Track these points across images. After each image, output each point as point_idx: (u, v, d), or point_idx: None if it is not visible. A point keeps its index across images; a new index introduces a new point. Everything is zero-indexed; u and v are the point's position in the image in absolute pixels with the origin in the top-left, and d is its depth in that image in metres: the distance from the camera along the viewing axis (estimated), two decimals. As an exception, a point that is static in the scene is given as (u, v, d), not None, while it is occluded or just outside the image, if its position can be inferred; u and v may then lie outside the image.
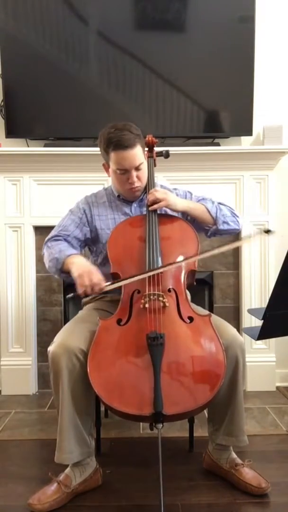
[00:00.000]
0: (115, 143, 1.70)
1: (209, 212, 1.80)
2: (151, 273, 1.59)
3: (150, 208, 1.74)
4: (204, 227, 1.84)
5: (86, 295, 1.62)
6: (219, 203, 1.85)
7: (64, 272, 1.71)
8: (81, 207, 1.89)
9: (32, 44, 2.56)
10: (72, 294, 1.61)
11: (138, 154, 1.73)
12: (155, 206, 1.74)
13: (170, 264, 1.63)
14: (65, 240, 1.82)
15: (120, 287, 1.67)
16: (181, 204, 1.78)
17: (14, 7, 2.53)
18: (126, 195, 1.85)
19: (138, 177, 1.77)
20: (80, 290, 1.57)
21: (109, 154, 1.74)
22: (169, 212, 1.83)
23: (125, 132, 1.70)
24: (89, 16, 2.56)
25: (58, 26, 2.55)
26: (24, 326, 2.67)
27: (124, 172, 1.76)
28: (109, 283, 1.61)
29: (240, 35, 2.57)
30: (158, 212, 1.78)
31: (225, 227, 1.82)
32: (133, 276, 1.58)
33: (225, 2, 2.56)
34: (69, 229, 1.84)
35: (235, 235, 1.96)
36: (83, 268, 1.62)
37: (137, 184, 1.78)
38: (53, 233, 1.85)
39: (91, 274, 1.58)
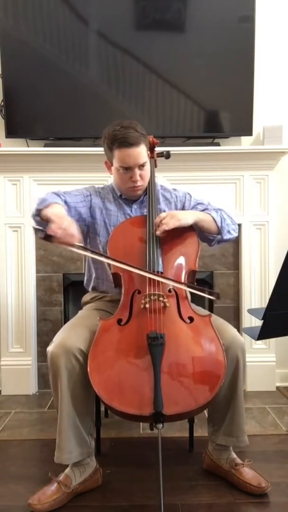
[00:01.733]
0: (120, 141, 1.70)
1: (215, 221, 1.78)
2: (145, 274, 1.59)
3: (160, 234, 1.67)
4: (208, 237, 1.82)
5: (49, 239, 1.47)
6: (220, 210, 1.84)
7: (41, 217, 1.59)
8: (89, 191, 1.87)
9: (32, 44, 2.56)
10: (41, 228, 1.52)
11: (142, 152, 1.74)
12: (167, 228, 1.66)
13: (169, 279, 1.63)
14: (65, 203, 1.74)
15: (120, 287, 1.67)
16: (191, 217, 1.74)
17: (14, 7, 2.53)
18: (127, 193, 1.85)
19: (141, 175, 1.77)
20: (52, 228, 1.46)
21: (113, 151, 1.74)
22: (167, 204, 1.86)
23: (130, 130, 1.70)
24: (89, 16, 2.56)
25: (58, 26, 2.55)
26: (24, 326, 2.67)
27: (127, 170, 1.75)
28: (82, 244, 1.54)
29: (240, 35, 2.57)
30: (159, 213, 1.78)
31: (228, 236, 1.82)
32: (125, 264, 1.57)
33: (225, 2, 2.56)
34: (73, 200, 1.78)
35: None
36: (64, 215, 1.55)
37: (139, 183, 1.77)
38: (55, 190, 1.78)
39: (71, 224, 1.50)
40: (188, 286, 1.66)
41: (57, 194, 1.75)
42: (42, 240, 1.53)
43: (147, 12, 2.55)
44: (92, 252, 1.62)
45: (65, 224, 1.48)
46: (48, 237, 1.47)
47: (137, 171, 1.75)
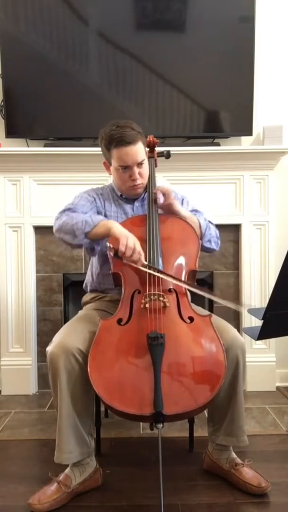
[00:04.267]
0: (117, 140, 1.71)
1: (200, 227, 1.82)
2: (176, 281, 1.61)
3: (156, 201, 1.75)
4: None
5: (118, 256, 1.55)
6: (209, 222, 1.89)
7: (90, 237, 1.67)
8: (91, 195, 1.88)
9: (32, 44, 2.56)
10: (112, 247, 1.56)
11: (140, 150, 1.74)
12: (160, 202, 1.74)
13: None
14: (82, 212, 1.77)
15: (120, 287, 1.67)
16: (183, 212, 1.80)
17: (14, 7, 2.53)
18: (127, 192, 1.85)
19: (140, 173, 1.77)
20: (121, 248, 1.54)
21: (111, 151, 1.75)
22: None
23: (127, 129, 1.72)
24: (89, 16, 2.56)
25: (58, 26, 2.55)
26: (24, 326, 2.67)
27: (126, 169, 1.76)
28: (146, 262, 1.59)
29: (240, 35, 2.57)
30: (160, 213, 1.79)
31: (207, 245, 1.86)
32: (170, 276, 1.61)
33: (225, 2, 2.56)
34: (85, 209, 1.79)
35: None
36: (129, 233, 1.60)
37: (139, 181, 1.78)
38: (68, 206, 1.79)
39: (137, 241, 1.58)
40: (203, 291, 1.66)
41: (74, 210, 1.75)
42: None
43: (147, 12, 2.55)
44: (158, 271, 1.61)
45: (131, 243, 1.56)
46: (118, 256, 1.56)
47: (136, 170, 1.76)
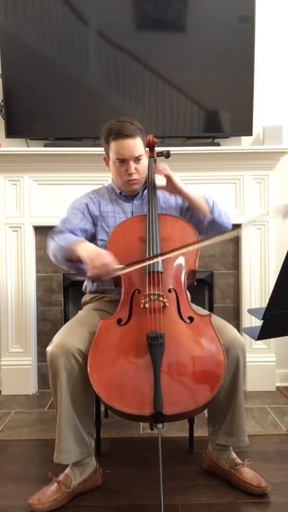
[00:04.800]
0: (115, 132, 1.74)
1: (207, 201, 1.80)
2: (158, 259, 1.59)
3: (155, 171, 1.77)
4: (200, 217, 1.82)
5: (98, 279, 1.59)
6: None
7: (72, 260, 1.69)
8: (83, 202, 1.89)
9: (32, 44, 2.56)
10: (82, 276, 1.60)
11: (138, 145, 1.75)
12: (159, 171, 1.75)
13: (166, 252, 1.61)
14: (70, 232, 1.80)
15: (120, 287, 1.67)
16: (186, 188, 1.77)
17: (14, 7, 2.53)
18: (124, 188, 1.86)
19: (136, 169, 1.78)
20: (92, 272, 1.57)
21: (110, 144, 1.77)
22: (167, 196, 1.87)
23: (126, 124, 1.74)
24: (89, 16, 2.56)
25: (58, 26, 2.55)
26: (24, 326, 2.67)
27: (123, 163, 1.77)
28: (121, 266, 1.58)
29: (240, 35, 2.57)
30: (159, 212, 1.79)
31: (220, 220, 1.82)
32: (140, 261, 1.58)
33: (225, 2, 2.56)
34: (73, 222, 1.83)
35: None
36: (93, 251, 1.62)
37: (135, 176, 1.79)
38: (57, 226, 1.83)
39: (101, 256, 1.58)
40: (194, 243, 1.63)
41: (61, 231, 1.78)
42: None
43: (147, 12, 2.55)
44: (133, 264, 1.60)
45: (97, 263, 1.56)
46: (91, 277, 1.59)
47: (133, 164, 1.77)
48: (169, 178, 1.75)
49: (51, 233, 1.80)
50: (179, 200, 1.91)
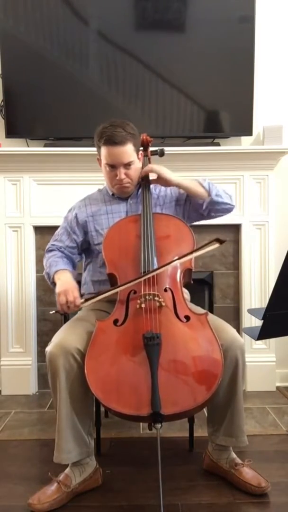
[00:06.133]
0: (105, 138, 1.73)
1: (201, 185, 1.80)
2: (146, 277, 1.60)
3: (142, 174, 1.82)
4: (198, 201, 1.82)
5: (66, 312, 1.69)
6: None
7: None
8: (73, 214, 1.92)
9: (32, 44, 2.56)
10: (54, 311, 1.70)
11: (128, 151, 1.75)
12: (148, 172, 1.80)
13: (164, 265, 1.62)
14: (59, 250, 1.88)
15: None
16: (175, 178, 1.79)
17: (14, 7, 2.53)
18: (115, 191, 1.87)
19: (126, 174, 1.78)
20: (58, 307, 1.64)
21: (100, 148, 1.78)
22: (162, 189, 1.88)
23: (118, 129, 1.72)
24: (89, 16, 2.56)
25: (58, 26, 2.55)
26: (24, 326, 2.67)
27: (113, 168, 1.77)
28: (83, 300, 1.66)
29: (240, 35, 2.57)
30: (154, 210, 1.79)
31: (219, 199, 1.79)
32: (117, 287, 1.63)
33: (225, 2, 2.56)
34: (62, 239, 1.90)
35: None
36: (63, 286, 1.67)
37: (125, 181, 1.79)
38: (50, 243, 1.93)
39: (67, 293, 1.63)
40: (186, 255, 1.62)
41: (51, 250, 1.89)
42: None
43: (147, 12, 2.55)
44: (101, 294, 1.65)
45: (62, 300, 1.62)
46: (59, 312, 1.70)
47: (122, 170, 1.77)
48: (160, 177, 1.79)
49: (46, 250, 1.92)
50: (174, 193, 1.92)
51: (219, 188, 1.82)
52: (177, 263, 1.65)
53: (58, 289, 1.67)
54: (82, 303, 1.65)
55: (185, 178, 1.83)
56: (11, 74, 2.59)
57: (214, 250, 2.64)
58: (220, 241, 1.50)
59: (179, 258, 1.61)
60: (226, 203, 1.82)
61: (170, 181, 1.79)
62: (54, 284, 1.77)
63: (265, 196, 2.65)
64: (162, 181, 1.80)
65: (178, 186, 1.82)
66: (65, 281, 1.71)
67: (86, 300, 1.65)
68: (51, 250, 1.89)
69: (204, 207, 1.82)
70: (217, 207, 1.81)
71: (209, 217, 1.86)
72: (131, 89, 2.60)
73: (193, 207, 1.85)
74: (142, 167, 1.86)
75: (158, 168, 1.79)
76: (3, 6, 2.53)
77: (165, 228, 1.75)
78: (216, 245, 1.51)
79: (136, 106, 2.60)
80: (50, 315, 2.68)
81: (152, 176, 1.83)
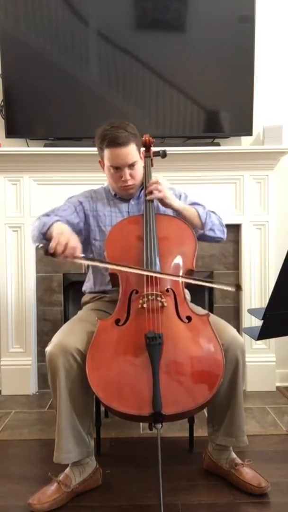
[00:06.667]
0: (109, 140, 1.72)
1: (199, 217, 1.81)
2: (144, 272, 1.58)
3: (148, 197, 1.76)
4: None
5: (54, 255, 1.55)
6: (210, 211, 1.87)
7: (47, 239, 1.66)
8: (78, 199, 1.90)
9: (32, 44, 2.56)
10: (42, 245, 1.59)
11: (131, 152, 1.75)
12: (153, 196, 1.74)
13: (167, 274, 1.62)
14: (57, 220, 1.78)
15: (118, 287, 1.67)
16: (177, 203, 1.79)
17: (14, 7, 2.53)
18: (119, 192, 1.86)
19: (131, 175, 1.78)
20: (52, 244, 1.53)
21: (103, 150, 1.77)
22: (161, 208, 1.85)
23: (120, 130, 1.72)
24: (89, 16, 2.56)
25: (58, 26, 2.55)
26: (24, 326, 2.67)
27: (117, 170, 1.77)
28: (83, 255, 1.59)
29: (240, 35, 2.57)
30: (156, 211, 1.79)
31: (211, 234, 1.83)
32: (124, 266, 1.58)
33: (225, 2, 2.56)
34: (62, 213, 1.81)
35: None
36: (65, 230, 1.61)
37: (130, 182, 1.79)
38: (46, 211, 1.83)
39: (71, 237, 1.57)
40: (195, 280, 1.62)
41: (48, 215, 1.78)
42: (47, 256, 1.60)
43: (147, 12, 2.55)
44: (96, 260, 1.62)
45: (63, 239, 1.54)
46: (50, 254, 1.54)
47: (127, 171, 1.77)
48: (162, 200, 1.76)
49: (42, 215, 1.79)
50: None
51: (215, 220, 1.84)
52: (180, 261, 1.68)
53: (59, 230, 1.59)
54: (82, 257, 1.58)
55: (185, 207, 1.81)
56: (11, 74, 2.59)
57: (214, 250, 2.66)
58: (239, 288, 1.54)
59: (191, 279, 1.60)
60: (217, 238, 1.86)
61: (173, 207, 1.78)
62: (44, 236, 1.66)
63: (265, 196, 2.65)
64: (163, 202, 1.78)
65: (179, 212, 1.80)
66: (66, 228, 1.63)
67: (86, 259, 1.59)
68: (48, 215, 1.77)
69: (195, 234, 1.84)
70: (206, 239, 1.85)
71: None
72: (131, 89, 2.60)
73: None
74: (144, 168, 1.86)
75: (164, 192, 1.75)
76: (3, 6, 2.53)
77: (167, 229, 1.76)
78: (232, 289, 1.54)
79: (136, 106, 2.60)
80: (50, 315, 2.70)
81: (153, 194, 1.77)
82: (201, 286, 1.64)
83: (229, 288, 1.55)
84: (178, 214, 1.82)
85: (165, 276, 1.62)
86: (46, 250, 1.54)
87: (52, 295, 2.71)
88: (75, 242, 1.56)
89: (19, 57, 2.57)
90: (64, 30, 2.56)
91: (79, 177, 2.57)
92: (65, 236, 1.55)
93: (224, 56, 2.58)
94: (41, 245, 1.60)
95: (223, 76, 2.60)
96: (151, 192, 1.75)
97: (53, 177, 2.62)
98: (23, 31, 2.55)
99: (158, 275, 1.60)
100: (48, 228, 1.66)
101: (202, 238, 1.84)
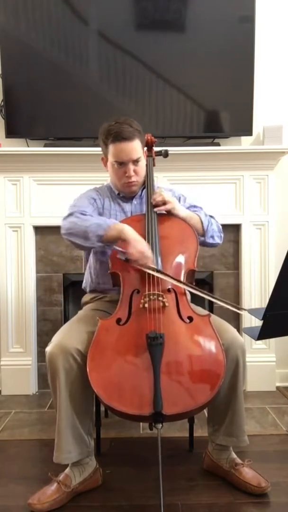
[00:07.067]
0: (114, 135, 1.73)
1: (202, 223, 1.82)
2: (184, 286, 1.60)
3: (155, 209, 1.75)
4: None
5: (128, 261, 1.59)
6: (210, 216, 1.88)
7: (103, 241, 1.65)
8: (91, 195, 1.88)
9: (32, 44, 2.56)
10: (124, 255, 1.60)
11: (136, 147, 1.75)
12: (161, 208, 1.74)
13: (173, 278, 1.62)
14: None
15: (119, 287, 1.67)
16: (183, 212, 1.80)
17: (14, 7, 2.53)
18: (122, 189, 1.86)
19: (135, 171, 1.78)
20: (132, 251, 1.57)
21: (108, 146, 1.76)
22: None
23: (125, 126, 1.73)
24: (89, 16, 2.56)
25: (58, 26, 2.55)
26: (24, 326, 2.67)
27: (121, 165, 1.77)
28: (154, 267, 1.60)
29: (240, 35, 2.57)
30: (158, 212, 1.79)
31: (211, 241, 1.86)
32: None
33: (225, 2, 2.56)
34: (88, 211, 1.77)
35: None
36: (141, 238, 1.62)
37: (134, 178, 1.79)
38: (72, 210, 1.76)
39: (146, 246, 1.60)
40: (209, 296, 1.65)
41: (84, 213, 1.73)
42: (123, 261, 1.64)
43: (147, 12, 2.55)
44: (166, 275, 1.60)
45: (141, 248, 1.59)
46: (127, 260, 1.60)
47: (131, 166, 1.77)
48: (170, 211, 1.76)
49: (69, 215, 1.73)
50: None
51: (215, 227, 1.86)
52: (182, 260, 1.70)
53: (135, 236, 1.61)
54: (153, 269, 1.59)
55: (189, 215, 1.81)
56: (11, 74, 2.59)
57: (214, 250, 2.66)
58: (241, 309, 1.58)
59: (193, 288, 1.60)
60: (215, 244, 1.89)
61: (177, 214, 1.78)
62: (101, 238, 1.63)
63: (265, 196, 2.65)
64: (170, 213, 1.78)
65: (184, 220, 1.80)
66: (135, 234, 1.62)
67: (156, 271, 1.59)
68: (82, 213, 1.72)
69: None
70: (205, 244, 1.87)
71: None
72: (131, 89, 2.60)
73: None
74: (146, 167, 1.86)
75: (171, 199, 1.77)
76: (3, 6, 2.53)
77: (169, 229, 1.76)
78: (235, 309, 1.59)
79: (136, 106, 2.60)
80: (50, 315, 2.70)
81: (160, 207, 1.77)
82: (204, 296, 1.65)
83: (234, 309, 1.60)
84: None
85: (168, 279, 1.61)
86: (125, 257, 1.59)
87: (52, 295, 2.71)
88: (150, 253, 1.60)
89: (19, 57, 2.57)
90: (64, 30, 2.56)
91: (79, 177, 2.57)
92: (142, 245, 1.60)
93: (224, 56, 2.58)
94: (122, 250, 1.62)
95: (223, 76, 2.60)
96: (158, 204, 1.75)
97: (53, 177, 2.62)
98: (23, 31, 2.55)
99: (164, 277, 1.59)
100: (106, 230, 1.63)
101: (202, 244, 1.85)
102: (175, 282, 1.62)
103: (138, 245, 1.59)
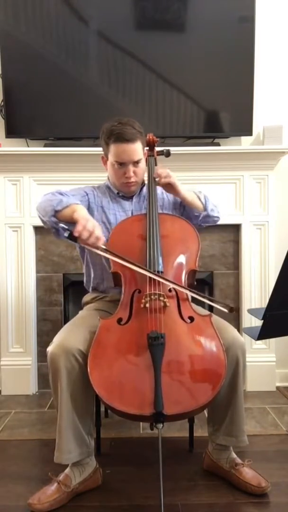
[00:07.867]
0: (116, 136, 1.74)
1: (199, 198, 1.87)
2: (151, 275, 1.59)
3: (157, 180, 1.78)
4: (195, 213, 1.88)
5: (74, 239, 1.55)
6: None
7: (59, 217, 1.63)
8: (85, 190, 1.89)
9: (32, 44, 2.56)
10: (68, 230, 1.57)
11: (137, 149, 1.76)
12: (164, 180, 1.77)
13: (171, 281, 1.62)
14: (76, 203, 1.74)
15: (120, 287, 1.67)
16: (183, 191, 1.83)
17: (14, 7, 2.53)
18: (120, 188, 1.87)
19: (134, 172, 1.79)
20: (79, 228, 1.52)
21: (109, 146, 1.77)
22: (166, 197, 1.90)
23: (127, 127, 1.74)
24: (89, 16, 2.56)
25: (58, 26, 2.55)
26: (24, 326, 2.67)
27: (121, 166, 1.78)
28: (105, 247, 1.59)
29: (240, 35, 2.57)
30: (160, 211, 1.79)
31: (213, 213, 1.90)
32: (135, 265, 1.58)
33: (225, 2, 2.56)
34: (71, 200, 1.74)
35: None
36: (91, 218, 1.60)
37: (133, 179, 1.80)
38: (56, 190, 1.77)
39: (96, 226, 1.57)
40: (201, 296, 1.65)
41: (61, 193, 1.74)
42: (67, 239, 1.60)
43: (147, 12, 2.55)
44: (116, 255, 1.60)
45: (90, 226, 1.54)
46: (73, 238, 1.54)
47: (131, 168, 1.78)
48: (171, 185, 1.78)
49: (55, 191, 1.74)
50: (171, 198, 1.95)
51: (211, 201, 1.91)
52: (183, 260, 1.70)
53: (84, 215, 1.57)
54: (104, 248, 1.57)
55: (187, 192, 1.85)
56: (11, 74, 2.59)
57: (214, 250, 2.66)
58: (231, 310, 1.58)
59: (189, 291, 1.62)
60: (217, 217, 1.94)
61: (178, 193, 1.82)
62: (56, 213, 1.62)
63: (265, 196, 2.65)
64: (172, 190, 1.81)
65: (184, 199, 1.84)
66: (85, 213, 1.60)
67: (106, 251, 1.58)
68: (60, 193, 1.73)
69: (199, 218, 1.89)
70: (209, 219, 1.91)
71: (199, 226, 1.90)
72: (131, 89, 2.60)
73: (187, 215, 1.89)
74: (148, 166, 1.87)
75: (174, 179, 1.79)
76: (3, 6, 2.53)
77: (171, 228, 1.77)
78: (225, 310, 1.58)
79: (136, 106, 2.60)
80: (50, 315, 2.70)
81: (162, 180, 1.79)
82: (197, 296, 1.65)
83: (223, 309, 1.58)
84: (182, 200, 1.86)
85: (168, 283, 1.61)
86: (70, 233, 1.54)
87: (52, 295, 2.71)
88: (100, 233, 1.57)
89: (19, 57, 2.57)
90: (64, 30, 2.56)
91: (79, 177, 2.57)
92: (92, 224, 1.56)
93: (224, 56, 2.58)
94: (65, 226, 1.58)
95: (223, 76, 2.60)
96: (160, 178, 1.77)
97: (53, 177, 2.62)
98: (23, 31, 2.55)
99: (163, 281, 1.59)
100: (64, 207, 1.63)
101: (206, 219, 1.89)
102: (142, 271, 1.58)
103: (87, 224, 1.54)
